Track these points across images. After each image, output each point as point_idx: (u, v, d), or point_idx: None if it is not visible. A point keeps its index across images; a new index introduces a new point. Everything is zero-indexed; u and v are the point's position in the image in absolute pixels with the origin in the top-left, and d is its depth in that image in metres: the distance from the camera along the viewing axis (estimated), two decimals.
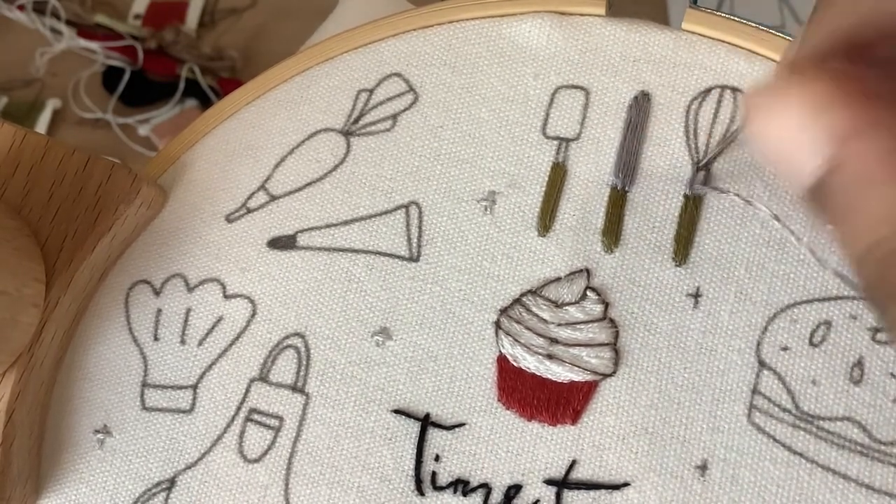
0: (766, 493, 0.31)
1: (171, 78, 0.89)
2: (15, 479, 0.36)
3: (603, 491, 0.33)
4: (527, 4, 0.37)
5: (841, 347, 0.32)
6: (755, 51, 0.35)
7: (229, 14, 0.93)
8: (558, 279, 0.35)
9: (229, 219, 0.38)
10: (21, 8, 0.90)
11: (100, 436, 0.38)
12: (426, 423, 0.35)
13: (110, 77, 0.90)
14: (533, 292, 0.35)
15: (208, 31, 0.92)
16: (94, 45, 0.89)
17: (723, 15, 0.35)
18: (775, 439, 0.32)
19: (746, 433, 0.32)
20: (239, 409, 0.36)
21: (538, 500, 0.33)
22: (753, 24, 0.35)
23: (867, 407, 0.31)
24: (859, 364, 0.32)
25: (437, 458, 0.34)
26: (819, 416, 0.32)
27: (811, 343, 0.32)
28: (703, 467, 0.32)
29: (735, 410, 0.32)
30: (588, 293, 0.34)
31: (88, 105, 0.88)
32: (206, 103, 0.88)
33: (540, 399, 0.34)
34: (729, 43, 0.35)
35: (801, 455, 0.32)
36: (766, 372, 0.32)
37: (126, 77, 0.89)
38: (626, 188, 0.35)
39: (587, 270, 0.34)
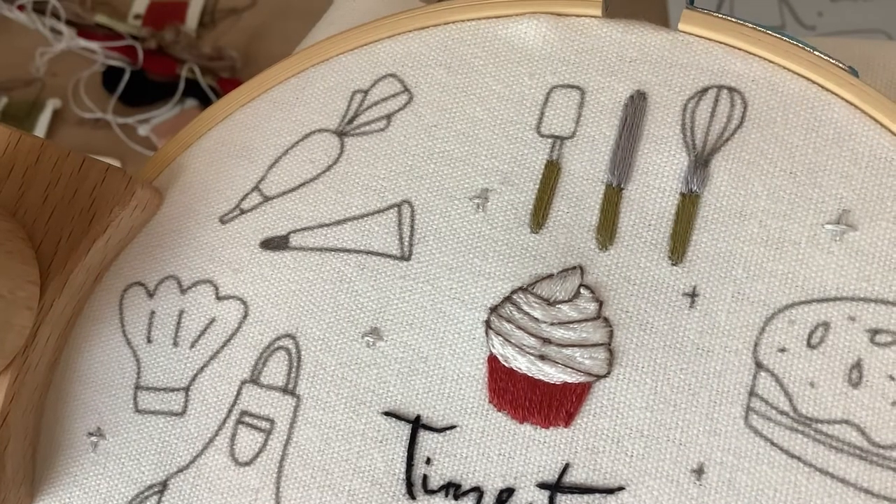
0: (764, 496, 0.31)
1: (171, 78, 0.89)
2: (9, 482, 0.36)
3: (597, 495, 0.32)
4: (523, 6, 0.37)
5: (839, 349, 0.32)
6: (752, 51, 0.35)
7: (229, 14, 0.93)
8: (551, 276, 0.34)
9: (223, 220, 0.38)
10: (21, 8, 0.90)
11: (93, 438, 0.38)
12: (417, 425, 0.34)
13: (110, 77, 0.90)
14: (524, 289, 0.34)
15: (208, 31, 0.93)
16: (94, 45, 0.89)
17: (719, 15, 0.35)
18: (772, 442, 0.31)
19: (743, 436, 0.32)
20: (230, 411, 0.36)
21: None
22: (750, 25, 0.35)
23: (866, 410, 0.31)
24: (858, 366, 0.31)
25: (428, 461, 0.34)
26: (817, 419, 0.31)
27: (809, 344, 0.32)
28: (699, 471, 0.32)
29: (732, 413, 0.32)
30: (582, 291, 0.34)
31: (88, 105, 0.89)
32: (206, 103, 0.88)
33: (532, 400, 0.33)
34: (725, 44, 0.35)
35: (798, 458, 0.31)
36: (763, 374, 0.32)
37: (126, 77, 0.89)
38: (622, 185, 0.35)
39: (581, 268, 0.34)
